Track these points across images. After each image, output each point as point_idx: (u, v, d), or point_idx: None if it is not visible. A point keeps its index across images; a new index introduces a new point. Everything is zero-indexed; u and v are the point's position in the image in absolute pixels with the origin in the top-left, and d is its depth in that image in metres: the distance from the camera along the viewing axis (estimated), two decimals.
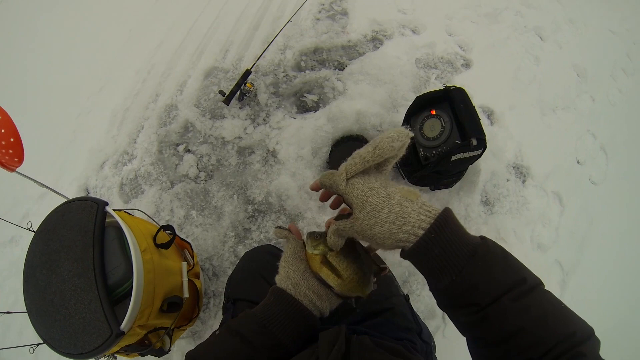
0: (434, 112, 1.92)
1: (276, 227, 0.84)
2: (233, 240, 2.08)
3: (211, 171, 2.29)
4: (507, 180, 2.30)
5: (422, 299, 2.00)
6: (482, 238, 0.64)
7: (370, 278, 0.79)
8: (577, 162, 2.54)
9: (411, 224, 0.61)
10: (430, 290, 0.68)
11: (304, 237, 0.82)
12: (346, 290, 0.77)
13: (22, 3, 3.51)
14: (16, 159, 1.22)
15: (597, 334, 0.62)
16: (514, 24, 3.14)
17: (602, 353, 0.60)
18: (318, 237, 0.79)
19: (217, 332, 0.78)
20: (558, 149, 2.54)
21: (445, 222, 0.61)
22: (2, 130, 1.17)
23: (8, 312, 1.37)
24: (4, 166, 1.22)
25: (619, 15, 3.69)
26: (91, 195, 2.27)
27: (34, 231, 1.24)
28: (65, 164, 2.41)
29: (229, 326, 0.74)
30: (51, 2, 3.41)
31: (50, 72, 2.90)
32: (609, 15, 3.64)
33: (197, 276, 1.71)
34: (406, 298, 1.20)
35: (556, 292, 2.05)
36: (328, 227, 0.75)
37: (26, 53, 3.08)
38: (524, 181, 2.34)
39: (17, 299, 2.04)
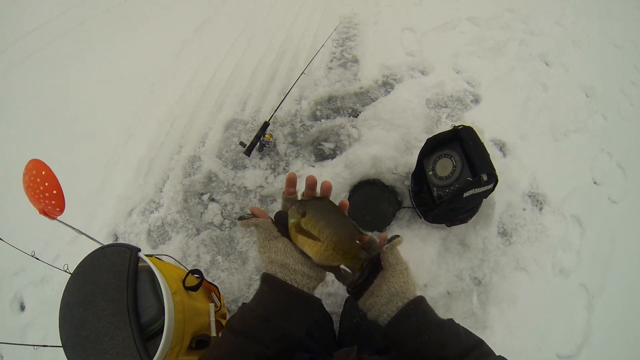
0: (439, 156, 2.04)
1: (239, 219, 0.82)
2: (258, 283, 2.09)
3: (235, 219, 2.36)
4: (524, 209, 2.34)
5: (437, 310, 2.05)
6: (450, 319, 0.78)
7: (351, 244, 0.78)
8: (595, 182, 2.58)
9: (405, 298, 0.77)
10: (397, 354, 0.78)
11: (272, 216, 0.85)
12: (325, 258, 0.76)
13: (52, 59, 3.69)
14: (58, 209, 1.33)
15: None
16: (518, 53, 3.24)
17: None
18: (291, 206, 0.80)
19: (219, 336, 0.77)
20: (573, 172, 2.58)
21: (420, 302, 0.77)
22: (46, 184, 1.28)
23: (45, 346, 1.47)
24: (46, 215, 1.33)
25: (621, 27, 3.75)
26: (120, 240, 2.36)
27: (70, 273, 1.31)
28: (95, 211, 2.49)
29: (230, 327, 0.73)
30: (79, 58, 3.59)
31: (79, 123, 3.01)
32: (611, 29, 3.70)
33: (224, 317, 1.77)
34: None
35: (583, 316, 2.11)
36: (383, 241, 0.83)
37: (54, 105, 3.19)
38: (540, 209, 2.38)
39: (46, 335, 2.09)
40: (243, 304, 0.76)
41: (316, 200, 0.80)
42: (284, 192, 0.85)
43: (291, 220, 0.78)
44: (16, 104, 3.28)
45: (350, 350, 0.78)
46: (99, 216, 2.45)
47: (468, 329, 0.78)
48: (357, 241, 0.80)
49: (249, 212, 0.84)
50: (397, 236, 0.82)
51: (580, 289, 2.18)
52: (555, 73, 3.16)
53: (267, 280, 0.75)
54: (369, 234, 1.53)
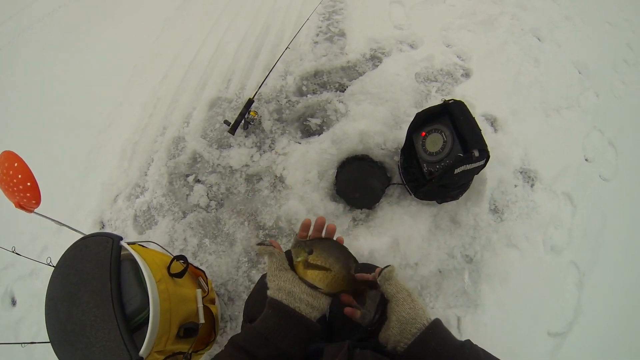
0: (424, 133, 1.98)
1: (258, 245, 0.90)
2: (246, 265, 2.11)
3: (221, 200, 2.33)
4: (515, 186, 2.31)
5: (435, 311, 2.02)
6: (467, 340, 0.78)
7: (353, 269, 0.88)
8: (586, 159, 2.54)
9: (418, 324, 0.78)
10: None
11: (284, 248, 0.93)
12: (334, 286, 0.85)
13: (29, 47, 3.65)
14: (34, 202, 1.30)
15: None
16: (510, 28, 3.16)
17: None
18: (297, 246, 0.89)
19: (223, 349, 0.81)
20: (565, 149, 2.55)
21: (437, 325, 0.78)
22: (19, 176, 1.24)
23: (32, 343, 1.43)
24: (23, 208, 1.30)
25: (615, 5, 3.70)
26: (106, 228, 2.35)
27: (53, 266, 1.31)
28: (80, 199, 2.46)
29: (233, 342, 0.79)
30: (57, 45, 3.53)
31: (59, 110, 2.99)
32: (605, 7, 3.64)
33: (213, 302, 1.77)
34: None
35: (573, 293, 2.10)
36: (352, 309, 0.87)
37: (34, 94, 3.16)
38: (532, 185, 2.34)
39: (39, 330, 2.07)
40: (249, 323, 0.82)
41: (321, 239, 0.91)
42: (296, 235, 0.95)
43: (298, 258, 0.87)
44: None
45: (342, 345, 0.78)
46: (84, 204, 2.43)
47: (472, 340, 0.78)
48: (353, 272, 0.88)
49: (268, 240, 0.91)
50: (388, 266, 0.86)
51: (571, 267, 2.18)
52: (548, 48, 3.10)
53: (272, 304, 0.82)
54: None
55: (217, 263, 2.11)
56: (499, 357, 0.75)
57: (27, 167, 1.27)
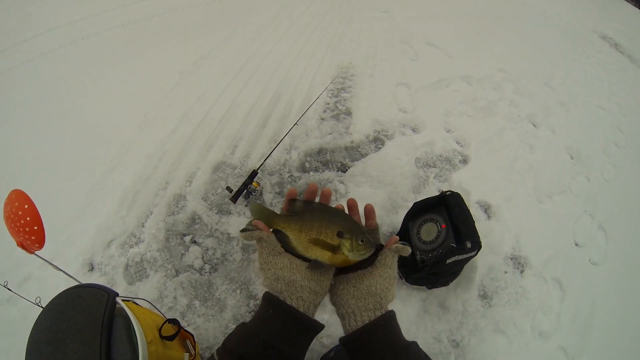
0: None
1: (242, 231, 0.78)
2: None
3: (216, 264, 2.31)
4: (505, 272, 2.39)
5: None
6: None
7: (368, 237, 0.77)
8: (576, 244, 2.65)
9: (379, 305, 0.74)
10: None
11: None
12: (343, 261, 0.77)
13: (42, 73, 3.74)
14: (37, 245, 1.30)
15: None
16: (508, 114, 3.36)
17: None
18: (291, 219, 0.80)
19: (215, 359, 0.71)
20: (556, 235, 2.66)
21: (391, 317, 0.74)
22: (28, 218, 1.25)
23: None
24: (24, 248, 1.30)
25: (606, 89, 3.91)
26: (95, 271, 2.29)
27: (42, 307, 1.27)
28: (72, 237, 2.39)
29: (229, 350, 0.70)
30: (71, 76, 3.64)
31: (65, 144, 2.97)
32: (597, 91, 3.87)
33: None
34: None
35: None
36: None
37: (41, 123, 3.17)
38: (522, 271, 2.43)
39: (7, 358, 1.97)
40: (242, 323, 0.73)
41: (317, 208, 0.81)
42: (282, 208, 0.84)
43: (298, 234, 0.78)
44: (7, 116, 3.30)
45: None
46: (76, 243, 2.37)
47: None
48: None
49: (251, 225, 0.80)
50: (406, 244, 0.79)
51: (559, 352, 2.20)
52: (543, 134, 3.29)
53: (272, 302, 0.72)
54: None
55: (204, 326, 2.09)
56: None
57: (37, 210, 1.27)
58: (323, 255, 0.76)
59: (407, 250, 0.78)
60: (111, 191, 2.63)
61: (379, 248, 0.80)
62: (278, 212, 0.84)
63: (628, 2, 8.14)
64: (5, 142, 3.03)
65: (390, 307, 0.77)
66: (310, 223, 0.78)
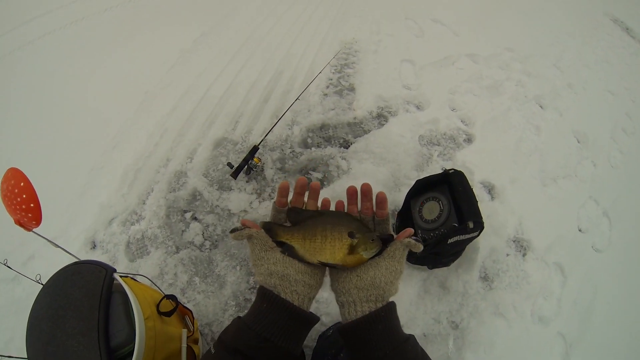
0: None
1: (232, 232, 0.79)
2: (234, 309, 2.11)
3: (216, 241, 2.33)
4: (507, 255, 2.35)
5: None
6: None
7: (376, 235, 0.78)
8: (580, 230, 2.59)
9: (381, 297, 0.74)
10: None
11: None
12: (357, 260, 0.76)
13: (43, 54, 3.74)
14: (34, 222, 1.31)
15: None
16: (515, 94, 3.28)
17: None
18: (284, 230, 0.80)
19: (212, 352, 0.71)
20: (560, 219, 2.60)
21: (391, 309, 0.75)
22: (24, 196, 1.26)
23: (10, 357, 1.43)
24: (22, 226, 1.32)
25: (617, 74, 3.83)
26: (97, 249, 2.32)
27: (42, 284, 1.30)
28: (75, 215, 2.44)
29: (224, 344, 0.70)
30: (72, 56, 3.63)
31: (66, 124, 3.00)
32: (606, 75, 3.78)
33: (196, 342, 1.75)
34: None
35: None
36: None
37: (43, 103, 3.21)
38: (524, 255, 2.39)
39: (13, 337, 2.02)
40: (238, 317, 0.73)
41: (311, 217, 0.81)
42: (274, 202, 0.84)
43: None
44: (5, 97, 3.32)
45: None
46: (78, 221, 2.41)
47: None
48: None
49: (239, 224, 0.81)
50: (419, 241, 0.78)
51: (558, 338, 2.18)
52: (549, 116, 3.21)
53: (266, 296, 0.73)
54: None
55: (204, 303, 2.11)
56: None
57: (33, 188, 1.29)
58: (334, 258, 0.76)
59: (419, 247, 0.77)
60: (112, 169, 2.66)
61: (389, 239, 0.79)
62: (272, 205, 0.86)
63: None
64: (7, 123, 3.07)
65: (392, 299, 0.77)
66: (313, 229, 0.79)
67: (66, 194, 2.51)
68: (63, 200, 2.49)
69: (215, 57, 3.53)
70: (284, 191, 0.82)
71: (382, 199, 0.81)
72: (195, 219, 2.42)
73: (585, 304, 2.31)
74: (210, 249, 2.30)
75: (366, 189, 0.82)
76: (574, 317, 2.25)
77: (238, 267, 2.22)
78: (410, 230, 0.80)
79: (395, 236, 0.80)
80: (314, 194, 0.85)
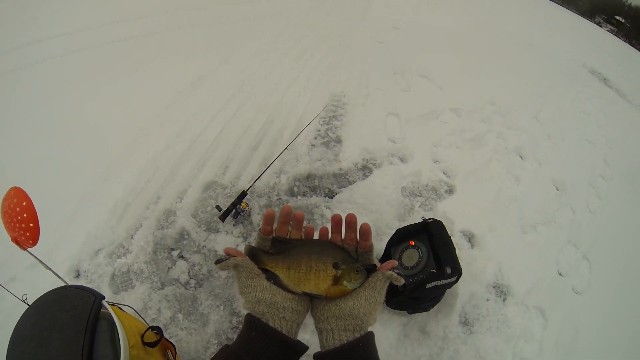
0: (412, 242, 2.18)
1: (216, 262, 0.76)
2: (215, 347, 2.09)
3: (201, 280, 2.32)
4: (487, 300, 2.43)
5: None
6: None
7: (361, 266, 0.77)
8: (560, 274, 2.70)
9: (359, 327, 0.73)
10: None
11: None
12: (341, 292, 0.76)
13: (43, 77, 3.79)
14: (30, 242, 1.34)
15: None
16: (496, 146, 3.45)
17: None
18: (270, 260, 0.79)
19: None
20: (539, 264, 2.71)
21: (369, 339, 0.73)
22: (25, 215, 1.31)
23: None
24: (18, 244, 1.34)
25: (593, 123, 4.01)
26: (81, 278, 2.30)
27: (27, 304, 1.28)
28: (61, 242, 2.39)
29: None
30: (71, 84, 3.68)
31: (60, 149, 2.98)
32: (584, 125, 3.97)
33: None
34: None
35: None
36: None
37: (40, 125, 3.19)
38: (504, 299, 2.46)
39: None
40: (226, 346, 0.72)
41: (295, 246, 0.80)
42: (259, 230, 0.81)
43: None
44: (7, 116, 3.33)
45: None
46: (64, 248, 2.37)
47: None
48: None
49: (223, 254, 0.78)
50: (402, 275, 0.76)
51: None
52: (529, 166, 3.37)
53: (254, 324, 0.72)
54: None
55: (187, 340, 2.09)
56: None
57: (34, 209, 1.32)
58: (318, 288, 0.76)
59: (400, 281, 0.75)
60: (103, 200, 2.66)
61: (372, 268, 0.79)
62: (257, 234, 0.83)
63: (618, 37, 8.37)
64: (5, 141, 3.06)
65: (370, 329, 0.77)
66: (298, 259, 0.78)
67: (54, 219, 2.48)
68: (51, 224, 2.44)
69: (210, 100, 3.66)
70: (269, 219, 0.80)
71: (366, 230, 0.79)
72: (182, 257, 2.45)
73: (567, 345, 2.38)
74: (195, 288, 2.32)
75: (350, 220, 0.80)
76: (556, 359, 2.30)
77: (222, 307, 2.24)
78: (394, 262, 0.79)
79: (378, 267, 0.79)
80: (298, 224, 0.82)
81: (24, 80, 3.71)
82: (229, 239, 2.51)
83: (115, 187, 2.75)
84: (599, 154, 3.73)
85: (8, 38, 4.25)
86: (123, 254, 2.42)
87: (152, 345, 1.43)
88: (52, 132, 3.14)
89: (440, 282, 1.98)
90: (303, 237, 0.83)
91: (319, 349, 0.76)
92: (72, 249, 2.38)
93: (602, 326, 2.51)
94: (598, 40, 7.29)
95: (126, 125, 3.25)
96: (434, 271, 1.99)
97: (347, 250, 0.81)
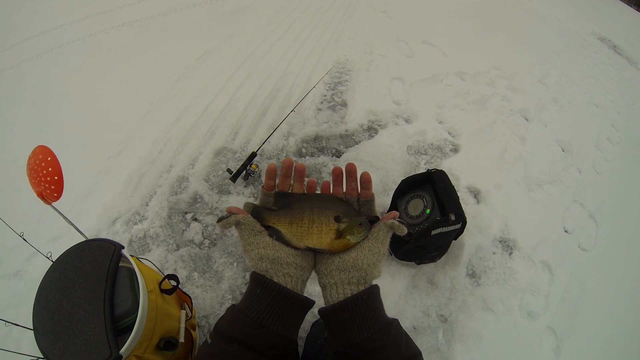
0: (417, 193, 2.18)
1: (218, 221, 0.76)
2: (230, 302, 2.12)
3: (215, 240, 2.40)
4: (494, 253, 2.43)
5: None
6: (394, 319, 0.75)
7: (364, 219, 0.77)
8: (566, 231, 2.69)
9: (363, 279, 0.73)
10: (334, 343, 0.73)
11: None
12: (344, 245, 0.76)
13: (56, 64, 3.93)
14: (55, 194, 1.38)
15: None
16: (500, 108, 3.43)
17: None
18: (274, 215, 0.79)
19: (208, 342, 0.71)
20: (545, 221, 2.70)
21: (374, 292, 0.73)
22: (50, 169, 1.36)
23: (16, 325, 1.41)
24: (43, 198, 1.38)
25: (602, 88, 3.96)
26: None
27: (52, 260, 1.35)
28: (79, 214, 2.47)
29: (220, 333, 0.69)
30: (82, 68, 3.81)
31: (75, 128, 3.11)
32: (592, 90, 3.92)
33: (194, 328, 1.79)
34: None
35: (550, 357, 2.15)
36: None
37: (54, 108, 3.34)
38: (510, 253, 2.47)
39: (9, 331, 1.93)
40: (232, 305, 0.72)
41: (297, 201, 0.80)
42: (262, 187, 0.81)
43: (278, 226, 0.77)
44: (22, 99, 3.48)
45: None
46: (83, 220, 2.44)
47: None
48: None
49: (225, 213, 0.77)
50: (404, 223, 0.76)
51: (547, 332, 2.22)
52: (534, 128, 3.34)
53: (259, 281, 0.71)
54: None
55: (202, 296, 2.15)
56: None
57: (58, 163, 1.37)
58: (321, 242, 0.76)
59: (403, 230, 0.76)
60: (117, 174, 2.74)
61: (374, 220, 0.79)
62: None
63: (630, 5, 8.21)
64: (18, 123, 3.21)
65: (377, 282, 0.76)
66: (300, 214, 0.78)
67: (72, 195, 2.56)
68: (68, 199, 2.36)
69: (217, 74, 3.69)
70: (271, 174, 0.79)
71: (366, 179, 0.80)
72: (195, 219, 2.51)
73: (574, 299, 2.37)
74: (209, 247, 2.38)
75: (350, 169, 0.80)
76: (562, 313, 2.31)
77: (235, 264, 2.29)
78: (395, 213, 0.78)
79: (380, 218, 0.79)
80: (300, 176, 0.82)
81: (33, 70, 3.86)
82: (240, 199, 2.56)
83: (129, 160, 2.84)
84: (607, 118, 3.69)
85: (13, 33, 4.40)
86: (139, 220, 2.50)
87: (170, 292, 1.48)
88: (66, 113, 3.27)
89: (445, 229, 2.00)
90: (305, 191, 0.83)
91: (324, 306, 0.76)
92: (90, 221, 2.47)
93: (608, 283, 2.49)
94: (607, 9, 7.16)
95: (137, 101, 3.34)
96: (438, 218, 2.00)
97: (350, 203, 0.81)
